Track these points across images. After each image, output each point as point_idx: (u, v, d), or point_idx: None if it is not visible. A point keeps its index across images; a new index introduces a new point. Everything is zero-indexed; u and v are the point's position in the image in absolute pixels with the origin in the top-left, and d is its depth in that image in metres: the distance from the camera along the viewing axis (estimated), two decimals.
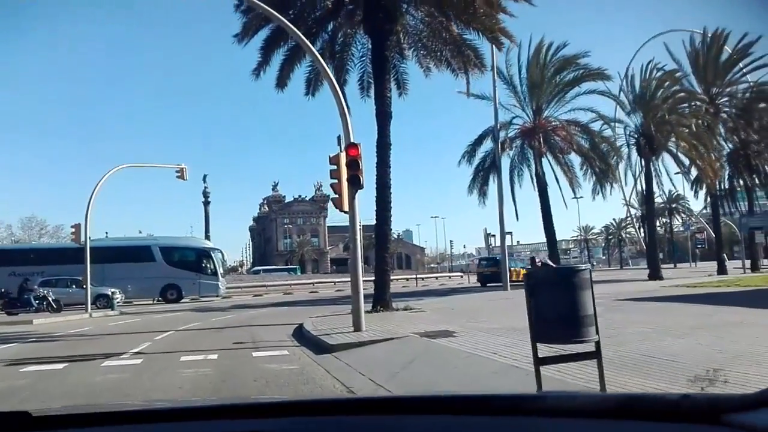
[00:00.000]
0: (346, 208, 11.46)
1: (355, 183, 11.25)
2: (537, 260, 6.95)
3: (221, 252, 39.28)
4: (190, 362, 8.96)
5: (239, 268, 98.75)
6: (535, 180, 30.35)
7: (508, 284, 26.80)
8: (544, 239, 33.31)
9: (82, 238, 25.72)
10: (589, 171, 31.79)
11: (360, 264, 11.73)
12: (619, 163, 33.66)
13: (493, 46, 20.35)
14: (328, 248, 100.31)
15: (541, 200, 30.15)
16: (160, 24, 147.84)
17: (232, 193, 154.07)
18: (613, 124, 32.23)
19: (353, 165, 11.19)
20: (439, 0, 16.05)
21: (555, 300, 4.34)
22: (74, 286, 26.63)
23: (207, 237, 53.79)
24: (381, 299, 15.77)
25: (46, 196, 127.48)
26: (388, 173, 16.52)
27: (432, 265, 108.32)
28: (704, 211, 61.28)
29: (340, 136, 11.93)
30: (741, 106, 35.78)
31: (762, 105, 35.55)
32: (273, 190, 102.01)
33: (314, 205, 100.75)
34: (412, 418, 1.40)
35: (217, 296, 35.21)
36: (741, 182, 38.45)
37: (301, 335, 11.96)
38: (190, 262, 35.38)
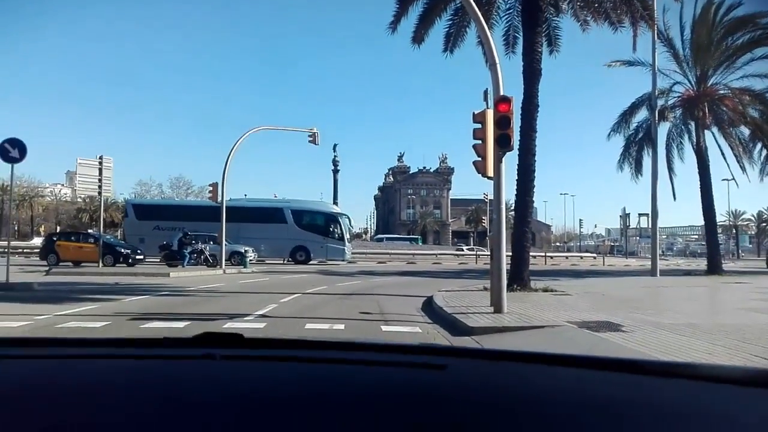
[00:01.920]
0: (491, 172, 10.05)
1: (504, 143, 9.76)
2: None
3: (348, 218, 39.52)
4: (315, 331, 8.21)
5: (363, 235, 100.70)
6: (696, 155, 26.64)
7: (658, 270, 23.92)
8: (685, 222, 29.54)
9: (219, 197, 26.59)
10: (761, 147, 27.44)
11: (503, 237, 10.30)
12: None
13: None
14: (450, 221, 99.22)
15: (701, 178, 26.39)
16: None
17: (360, 162, 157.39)
18: None
19: (503, 123, 9.69)
20: None
21: None
22: (211, 243, 27.69)
23: (335, 203, 54.72)
24: (518, 277, 14.26)
25: (195, 157, 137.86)
26: (534, 138, 14.79)
27: (557, 244, 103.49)
28: None
29: (487, 90, 10.45)
30: None
31: None
32: (398, 160, 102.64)
33: (438, 176, 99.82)
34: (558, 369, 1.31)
35: (343, 260, 35.45)
36: None
37: (431, 310, 10.90)
38: (319, 226, 35.89)
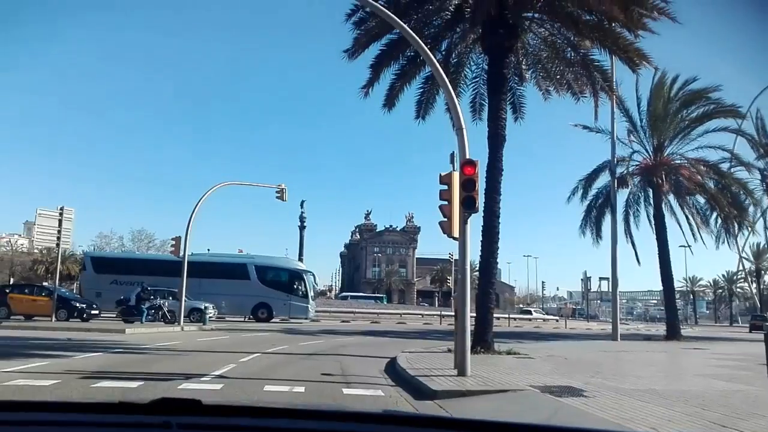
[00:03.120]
0: (456, 233, 10.15)
1: (469, 205, 9.92)
2: None
3: (313, 275, 39.06)
4: (274, 394, 7.94)
5: (328, 293, 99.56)
6: (653, 222, 27.52)
7: (618, 334, 24.17)
8: (644, 287, 30.21)
9: (181, 252, 26.08)
10: (716, 215, 28.54)
11: (468, 298, 10.29)
12: (749, 209, 30.05)
13: (613, 70, 18.42)
14: (415, 279, 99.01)
15: (659, 244, 27.16)
16: (262, 45, 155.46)
17: (327, 219, 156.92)
18: (749, 167, 28.84)
19: (469, 185, 9.88)
20: (570, 15, 14.52)
21: None
22: (171, 298, 26.94)
23: (300, 260, 54.21)
24: (482, 339, 14.20)
25: (157, 211, 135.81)
26: (498, 201, 15.09)
27: (520, 306, 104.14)
28: None
29: (453, 153, 10.70)
30: None
31: None
32: (365, 218, 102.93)
33: (404, 235, 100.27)
34: None
35: (306, 319, 34.81)
36: None
37: (395, 372, 10.73)
38: (283, 283, 35.31)
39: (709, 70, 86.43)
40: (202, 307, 27.50)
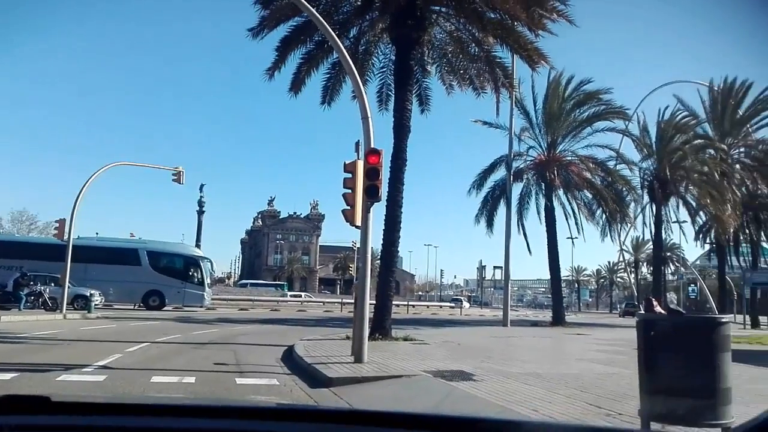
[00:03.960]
0: (359, 222, 10.16)
1: (372, 194, 9.96)
2: (655, 303, 4.89)
3: (210, 261, 37.73)
4: (161, 385, 7.56)
5: (227, 280, 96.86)
6: (543, 214, 29.12)
7: (509, 321, 25.43)
8: (534, 276, 32.18)
9: (66, 235, 24.29)
10: (601, 210, 30.68)
11: (368, 286, 10.39)
12: (630, 205, 32.62)
13: (514, 68, 19.24)
14: (318, 267, 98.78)
15: (548, 236, 28.84)
16: (161, 22, 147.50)
17: (228, 205, 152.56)
18: (632, 165, 31.33)
19: (372, 174, 9.92)
20: (476, 11, 14.91)
21: (686, 364, 3.02)
22: (53, 284, 25.06)
23: (198, 246, 52.18)
24: (381, 326, 14.41)
25: (41, 191, 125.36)
26: (401, 191, 15.29)
27: (419, 293, 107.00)
28: (696, 262, 60.82)
29: (358, 141, 10.69)
30: (758, 158, 34.99)
31: None
32: (269, 204, 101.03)
33: (308, 223, 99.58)
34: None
35: (201, 307, 33.62)
36: (748, 235, 37.52)
37: (292, 360, 10.60)
38: (177, 270, 33.81)
39: (603, 72, 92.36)
40: (87, 294, 25.75)
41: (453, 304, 61.64)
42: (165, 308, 32.07)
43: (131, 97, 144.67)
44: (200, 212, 70.73)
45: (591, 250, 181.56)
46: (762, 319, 36.56)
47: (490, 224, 30.15)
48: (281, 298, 52.40)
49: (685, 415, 3.08)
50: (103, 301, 28.12)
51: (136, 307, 32.21)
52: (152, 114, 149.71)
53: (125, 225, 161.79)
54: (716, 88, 36.64)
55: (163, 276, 32.83)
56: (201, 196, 70.79)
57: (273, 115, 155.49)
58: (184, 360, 10.43)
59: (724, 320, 3.30)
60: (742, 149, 36.64)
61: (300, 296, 58.48)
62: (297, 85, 17.07)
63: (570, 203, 30.22)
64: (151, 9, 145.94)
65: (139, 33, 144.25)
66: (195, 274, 33.99)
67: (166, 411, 1.44)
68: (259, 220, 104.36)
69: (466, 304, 64.02)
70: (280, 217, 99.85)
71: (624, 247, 47.04)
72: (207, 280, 34.98)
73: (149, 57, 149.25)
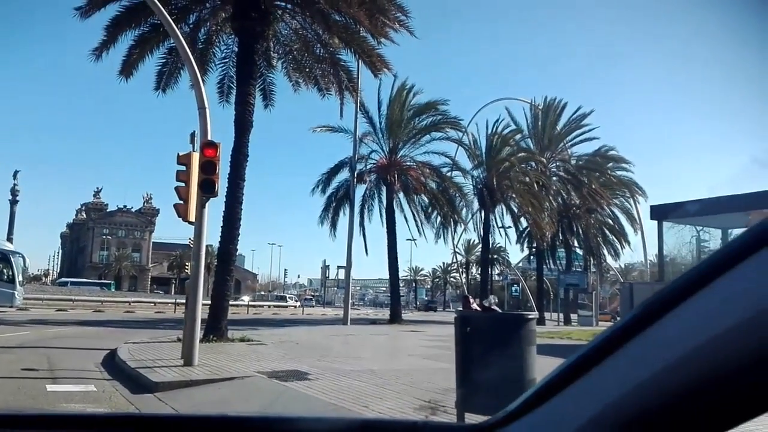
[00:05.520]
0: (192, 217, 9.68)
1: (208, 189, 9.54)
2: (473, 300, 5.05)
3: (23, 256, 33.56)
4: None
5: (43, 278, 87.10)
6: (385, 216, 30.13)
7: (349, 319, 25.91)
8: (376, 276, 33.41)
9: None
10: (436, 213, 32.46)
11: (201, 285, 9.92)
12: (462, 210, 34.97)
13: (359, 73, 19.74)
14: (150, 266, 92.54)
15: (388, 237, 29.90)
16: None
17: (46, 194, 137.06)
18: (464, 173, 33.60)
19: (208, 167, 9.50)
20: (321, 11, 14.95)
21: (497, 358, 3.27)
22: None
23: (9, 239, 46.23)
24: (215, 327, 13.86)
25: None
26: (242, 187, 14.83)
27: (262, 293, 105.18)
28: (519, 265, 67.18)
29: (194, 132, 10.19)
30: (572, 172, 39.39)
31: (593, 173, 39.40)
32: (95, 196, 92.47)
33: (140, 217, 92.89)
34: None
35: (11, 307, 29.76)
36: (563, 241, 42.09)
37: (113, 365, 9.81)
38: None
39: (443, 85, 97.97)
40: None
41: (279, 303, 61.75)
42: None
43: None
44: (13, 201, 63.18)
45: (428, 251, 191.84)
46: (573, 316, 41.28)
47: (333, 225, 30.62)
48: (107, 298, 48.27)
49: (495, 405, 3.33)
50: None
51: None
52: None
53: None
54: (538, 106, 40.72)
55: None
56: (15, 184, 63.31)
57: (103, 97, 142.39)
58: None
59: (530, 317, 3.64)
60: (558, 163, 40.96)
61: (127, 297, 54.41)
62: (127, 68, 15.87)
63: (409, 206, 31.66)
64: None
65: None
66: (4, 270, 30.11)
67: None
68: (83, 213, 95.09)
69: (295, 303, 64.21)
70: (108, 210, 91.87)
71: (457, 249, 50.42)
72: (18, 278, 31.12)
73: None
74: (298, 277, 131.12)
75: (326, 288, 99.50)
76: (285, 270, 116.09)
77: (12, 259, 30.94)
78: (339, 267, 54.24)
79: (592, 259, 44.21)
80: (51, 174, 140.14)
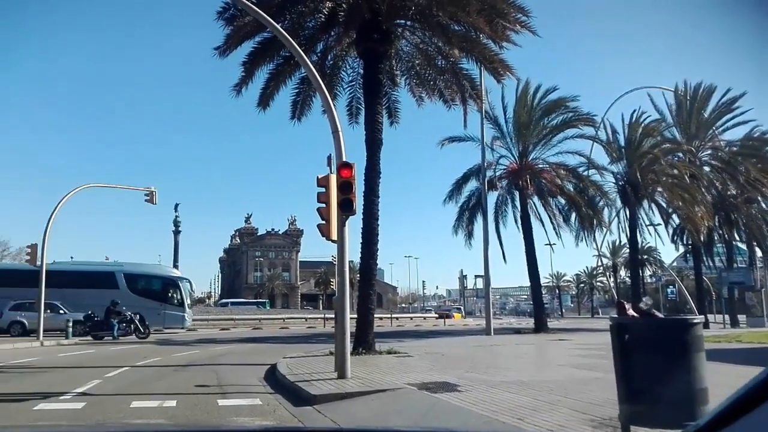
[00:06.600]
0: (335, 236, 10.16)
1: (346, 208, 9.98)
2: (628, 305, 4.70)
3: (189, 282, 37.29)
4: (142, 410, 7.46)
5: (206, 300, 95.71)
6: (520, 222, 29.38)
7: (492, 329, 25.51)
8: (516, 283, 32.43)
9: (38, 260, 23.82)
10: (575, 216, 31.05)
11: (347, 300, 10.35)
12: (603, 210, 33.06)
13: (482, 80, 19.60)
14: (299, 283, 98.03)
15: (525, 243, 29.09)
16: (132, 39, 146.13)
17: (204, 223, 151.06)
18: (602, 171, 31.85)
19: (346, 187, 9.94)
20: (440, 24, 15.09)
21: (662, 367, 3.07)
22: (48, 311, 24.76)
23: (176, 266, 51.58)
24: (363, 341, 14.36)
25: (15, 217, 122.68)
26: (377, 204, 15.30)
27: (403, 305, 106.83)
28: (674, 264, 61.74)
29: (330, 155, 10.71)
30: (726, 159, 35.81)
31: (750, 159, 35.55)
32: (246, 222, 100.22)
33: (287, 238, 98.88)
34: None
35: (182, 328, 33.17)
36: (722, 235, 38.25)
37: (274, 379, 10.51)
38: (156, 291, 33.39)
39: (569, 81, 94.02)
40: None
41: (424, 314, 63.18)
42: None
43: (101, 119, 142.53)
44: (176, 232, 70.18)
45: (570, 255, 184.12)
46: (741, 317, 37.23)
47: (468, 234, 30.40)
48: (263, 316, 51.84)
49: (663, 417, 3.12)
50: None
51: None
52: (124, 135, 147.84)
53: (100, 248, 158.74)
54: (680, 93, 37.49)
55: (142, 299, 32.34)
56: (176, 216, 70.38)
57: (245, 130, 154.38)
58: (165, 383, 10.29)
59: (695, 321, 3.36)
60: (709, 151, 37.44)
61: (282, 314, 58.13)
62: (265, 100, 17.09)
63: (545, 210, 30.58)
64: (123, 27, 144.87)
65: (110, 54, 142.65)
66: (174, 295, 33.59)
67: None
68: (237, 238, 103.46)
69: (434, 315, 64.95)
70: (258, 234, 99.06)
71: (601, 252, 47.71)
72: (187, 301, 34.59)
73: (119, 77, 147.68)
74: (437, 288, 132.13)
75: (465, 298, 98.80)
76: (423, 282, 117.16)
77: (180, 285, 34.42)
78: (477, 276, 53.86)
79: (759, 252, 39.64)
80: (206, 204, 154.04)
